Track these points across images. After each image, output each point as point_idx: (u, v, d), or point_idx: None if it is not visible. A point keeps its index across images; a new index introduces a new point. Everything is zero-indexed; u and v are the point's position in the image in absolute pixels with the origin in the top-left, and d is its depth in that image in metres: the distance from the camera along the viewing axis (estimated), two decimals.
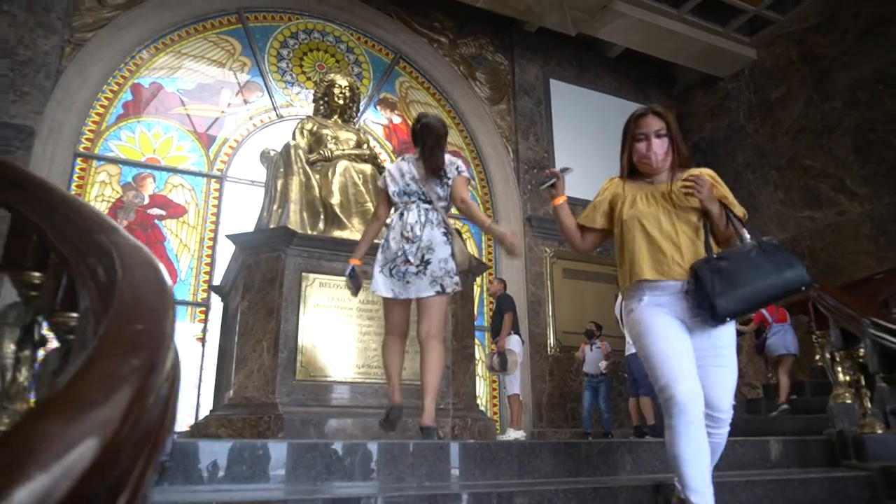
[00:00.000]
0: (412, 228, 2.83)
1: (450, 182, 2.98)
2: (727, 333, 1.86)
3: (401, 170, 2.98)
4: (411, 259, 2.79)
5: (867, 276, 5.09)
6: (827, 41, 7.37)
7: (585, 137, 8.58)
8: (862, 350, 2.78)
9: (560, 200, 2.12)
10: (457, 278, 2.88)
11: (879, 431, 2.73)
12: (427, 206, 2.92)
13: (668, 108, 9.11)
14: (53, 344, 1.60)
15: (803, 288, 1.79)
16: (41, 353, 1.59)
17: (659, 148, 1.98)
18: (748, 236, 1.84)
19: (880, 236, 6.54)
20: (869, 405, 2.81)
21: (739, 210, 1.94)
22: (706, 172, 1.97)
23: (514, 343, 5.88)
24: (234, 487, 1.86)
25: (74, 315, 1.31)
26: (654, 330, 1.82)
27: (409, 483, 2.04)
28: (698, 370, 1.79)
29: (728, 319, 1.77)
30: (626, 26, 7.77)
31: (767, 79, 8.13)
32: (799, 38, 7.72)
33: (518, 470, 2.20)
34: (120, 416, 0.52)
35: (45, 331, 1.58)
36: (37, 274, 1.51)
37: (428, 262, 2.80)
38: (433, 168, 2.93)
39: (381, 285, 2.87)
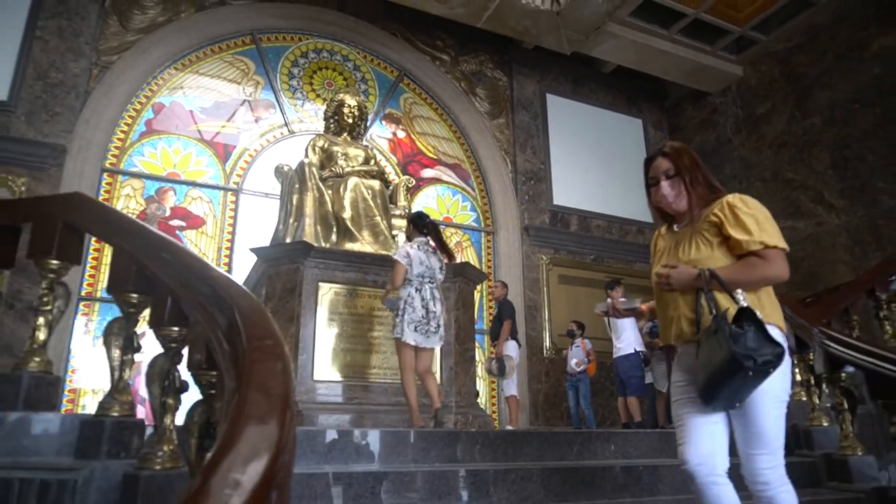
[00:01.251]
0: (430, 304, 4.07)
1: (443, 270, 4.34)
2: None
3: (420, 258, 4.14)
4: (432, 325, 4.06)
5: (835, 285, 5.52)
6: (808, 61, 7.81)
7: (581, 150, 9.01)
8: (812, 354, 3.20)
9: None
10: (442, 332, 4.21)
11: (825, 424, 3.16)
12: (432, 285, 4.17)
13: (661, 120, 9.62)
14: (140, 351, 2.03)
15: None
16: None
17: (667, 189, 1.90)
18: (740, 299, 1.71)
19: (855, 247, 6.97)
20: (818, 402, 3.24)
21: (770, 239, 1.75)
22: (728, 202, 1.82)
23: (511, 348, 6.27)
24: None
25: (176, 329, 1.74)
26: (673, 392, 1.86)
27: (420, 463, 2.46)
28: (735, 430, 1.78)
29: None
30: (618, 46, 8.21)
31: (753, 95, 8.57)
32: (782, 58, 8.16)
33: (512, 454, 2.63)
34: (284, 392, 0.94)
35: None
36: (135, 295, 1.93)
37: (439, 327, 4.10)
38: (450, 258, 4.41)
39: (409, 337, 3.97)
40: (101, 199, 6.29)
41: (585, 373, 6.44)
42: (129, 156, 6.59)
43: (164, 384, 1.72)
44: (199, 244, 6.63)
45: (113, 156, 6.49)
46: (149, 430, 1.87)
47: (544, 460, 2.65)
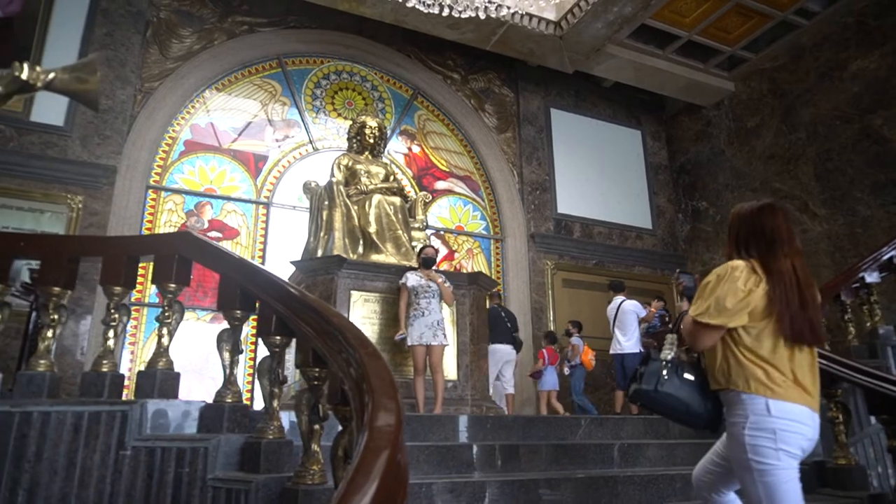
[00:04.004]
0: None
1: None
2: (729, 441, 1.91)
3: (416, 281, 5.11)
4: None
5: None
6: (793, 79, 8.40)
7: (583, 160, 9.63)
8: None
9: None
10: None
11: None
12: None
13: (659, 132, 10.22)
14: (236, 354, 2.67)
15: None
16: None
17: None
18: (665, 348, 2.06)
19: (836, 252, 7.57)
20: None
21: (694, 310, 1.91)
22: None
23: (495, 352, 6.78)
24: None
25: (278, 338, 2.38)
26: None
27: (432, 440, 3.10)
28: None
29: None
30: (617, 65, 8.81)
31: (744, 109, 9.16)
32: (769, 75, 8.75)
33: (522, 435, 3.26)
34: (390, 378, 1.57)
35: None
36: (239, 312, 2.57)
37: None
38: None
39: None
40: (146, 213, 6.96)
41: (579, 367, 7.12)
42: (170, 173, 7.25)
43: (272, 377, 2.35)
44: None
45: (156, 174, 7.15)
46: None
47: (548, 440, 3.29)
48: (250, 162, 7.71)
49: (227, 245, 7.29)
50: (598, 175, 9.68)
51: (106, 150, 6.80)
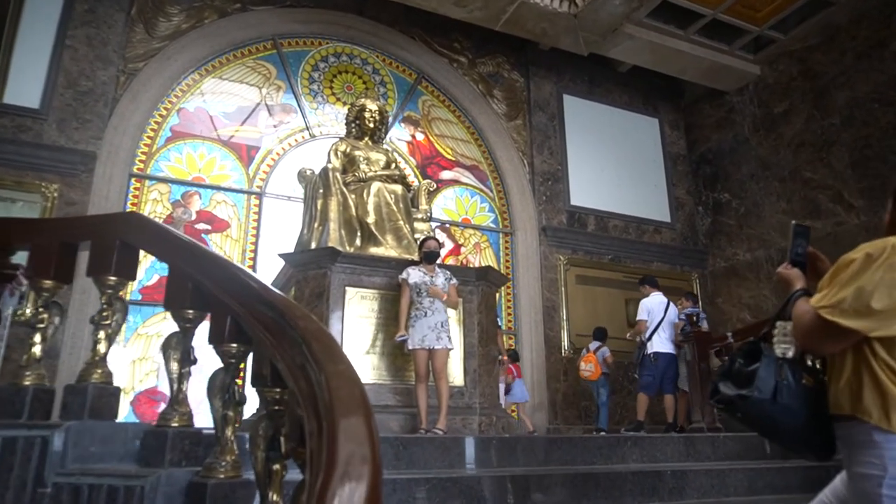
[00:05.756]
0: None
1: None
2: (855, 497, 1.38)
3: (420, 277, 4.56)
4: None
5: None
6: (827, 60, 7.79)
7: (597, 150, 9.05)
8: None
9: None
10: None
11: None
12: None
13: (677, 119, 9.62)
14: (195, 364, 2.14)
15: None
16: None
17: None
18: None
19: None
20: None
21: (819, 299, 1.41)
22: None
23: None
24: None
25: (235, 345, 1.84)
26: None
27: (434, 467, 2.56)
28: None
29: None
30: (635, 47, 8.23)
31: (770, 94, 8.56)
32: (800, 57, 8.14)
33: (543, 459, 2.72)
34: (365, 400, 1.04)
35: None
36: (191, 312, 2.04)
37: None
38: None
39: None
40: (129, 203, 6.45)
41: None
42: (155, 161, 6.73)
43: (225, 397, 1.82)
44: (224, 247, 6.77)
45: (140, 161, 6.64)
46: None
47: (576, 465, 2.74)
48: (242, 150, 7.19)
49: (216, 238, 6.78)
50: (614, 165, 9.10)
51: (85, 135, 6.28)
